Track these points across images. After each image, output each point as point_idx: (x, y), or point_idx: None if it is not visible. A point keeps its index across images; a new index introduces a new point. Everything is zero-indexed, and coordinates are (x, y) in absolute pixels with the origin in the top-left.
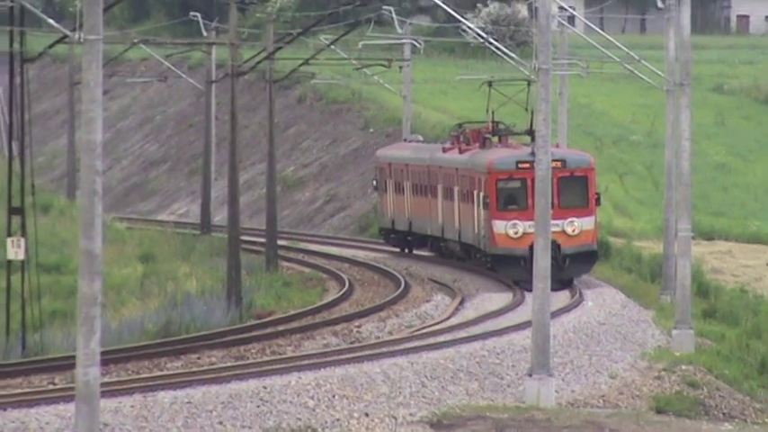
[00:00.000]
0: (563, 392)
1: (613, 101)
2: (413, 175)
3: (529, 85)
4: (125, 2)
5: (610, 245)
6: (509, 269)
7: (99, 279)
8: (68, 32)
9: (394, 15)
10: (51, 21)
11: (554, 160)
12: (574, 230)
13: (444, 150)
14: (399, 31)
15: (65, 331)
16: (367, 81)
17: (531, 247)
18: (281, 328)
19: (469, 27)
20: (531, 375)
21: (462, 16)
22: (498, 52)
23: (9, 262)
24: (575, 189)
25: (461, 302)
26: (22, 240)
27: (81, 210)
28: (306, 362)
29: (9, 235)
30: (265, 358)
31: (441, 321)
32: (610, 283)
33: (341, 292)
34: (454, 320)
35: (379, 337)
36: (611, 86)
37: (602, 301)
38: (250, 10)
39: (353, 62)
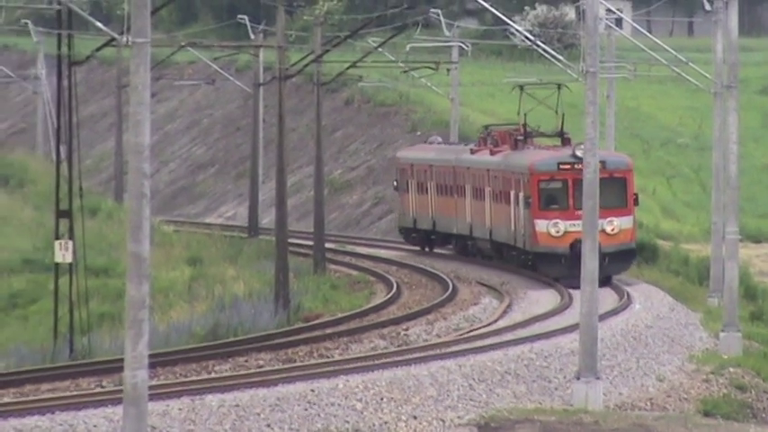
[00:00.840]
0: (611, 395)
1: (661, 103)
2: (437, 175)
3: (559, 88)
4: (173, 5)
5: (657, 247)
6: (550, 267)
7: (147, 282)
8: (116, 35)
9: (441, 18)
10: (99, 24)
11: None
12: (613, 230)
13: (472, 152)
14: (447, 33)
15: (112, 334)
16: (414, 84)
17: (572, 246)
18: (328, 330)
19: (517, 30)
20: (578, 378)
21: (510, 19)
22: (546, 55)
23: (57, 265)
24: (614, 190)
25: (509, 305)
26: (70, 243)
27: (129, 213)
28: (353, 365)
29: (57, 238)
30: (313, 361)
31: (488, 324)
32: (657, 286)
33: (388, 295)
34: (502, 323)
35: (426, 340)
36: (658, 89)
37: (649, 303)
38: (297, 13)
39: (401, 65)
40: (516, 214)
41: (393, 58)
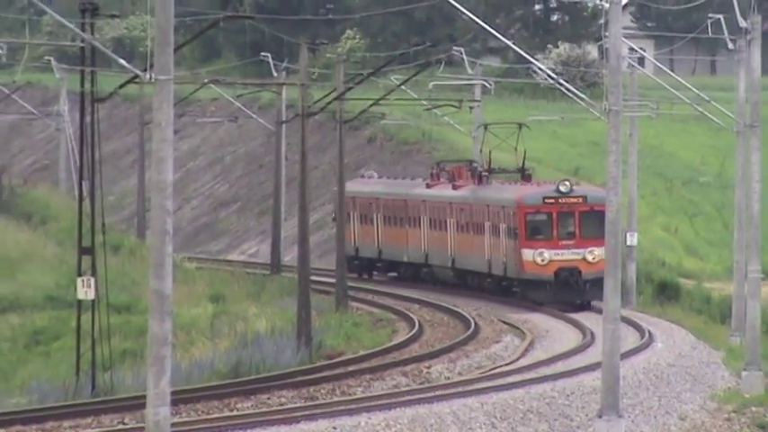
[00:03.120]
0: None
1: (683, 142)
2: (385, 207)
3: (520, 128)
4: (195, 42)
5: (679, 286)
6: (536, 292)
7: (169, 319)
8: (139, 72)
9: (464, 56)
10: (122, 61)
11: (575, 196)
12: (594, 258)
13: (429, 186)
14: (470, 71)
15: (135, 371)
16: (437, 122)
17: (556, 273)
18: (350, 368)
19: (540, 68)
20: (600, 417)
21: (533, 57)
22: (568, 93)
23: (79, 302)
24: (594, 222)
25: (531, 343)
26: (93, 280)
27: (151, 249)
28: (376, 402)
29: (79, 275)
30: (335, 399)
31: (511, 362)
32: (679, 324)
33: (411, 333)
34: (524, 361)
35: (448, 378)
36: (680, 127)
37: (671, 342)
38: (320, 50)
39: (424, 102)
40: (492, 243)
41: (416, 96)
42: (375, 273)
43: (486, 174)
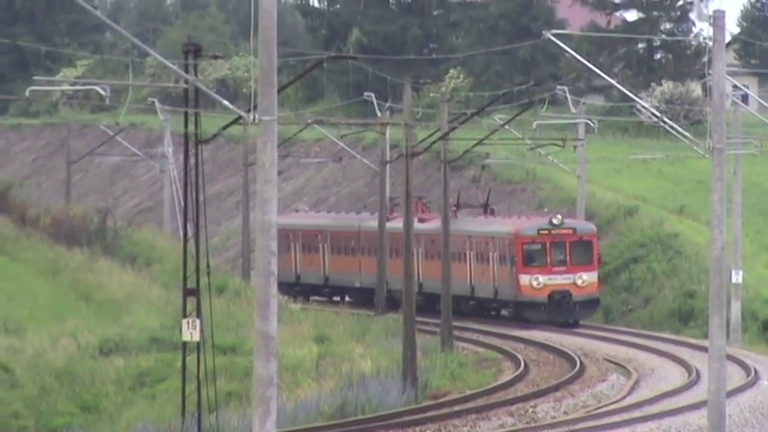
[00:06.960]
0: None
1: None
2: (333, 238)
3: (483, 168)
4: (299, 83)
5: None
6: (531, 313)
7: (274, 360)
8: (243, 113)
9: (568, 95)
10: (225, 102)
11: (566, 228)
12: (582, 283)
13: (388, 219)
14: (573, 110)
15: (240, 412)
16: (541, 161)
17: (550, 295)
18: (456, 408)
19: (643, 106)
20: None
21: (636, 95)
22: (672, 131)
23: (185, 343)
24: (583, 251)
25: (636, 382)
26: (198, 321)
27: (256, 290)
28: None
29: (184, 316)
30: None
31: (616, 401)
32: None
33: (516, 372)
34: (630, 400)
35: (554, 417)
36: None
37: None
38: (424, 90)
39: (527, 142)
40: (477, 270)
41: (519, 135)
42: (316, 297)
43: (455, 208)
